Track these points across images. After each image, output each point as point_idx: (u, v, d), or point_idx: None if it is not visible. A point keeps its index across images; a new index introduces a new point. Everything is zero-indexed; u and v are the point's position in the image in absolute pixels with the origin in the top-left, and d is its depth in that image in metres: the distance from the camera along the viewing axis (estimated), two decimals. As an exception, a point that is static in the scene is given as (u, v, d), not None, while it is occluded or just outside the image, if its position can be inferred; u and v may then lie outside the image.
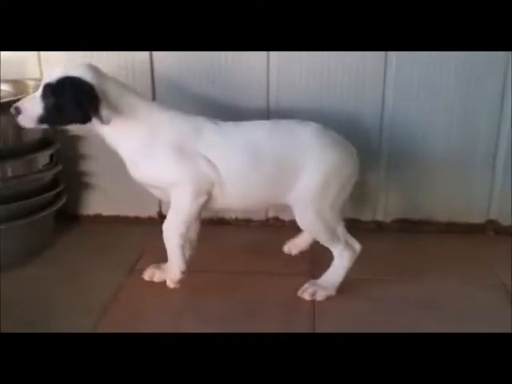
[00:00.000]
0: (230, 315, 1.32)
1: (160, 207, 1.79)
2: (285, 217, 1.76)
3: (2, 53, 1.67)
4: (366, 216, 1.79)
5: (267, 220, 1.82)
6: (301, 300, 1.38)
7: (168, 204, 1.38)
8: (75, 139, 1.76)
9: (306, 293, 1.39)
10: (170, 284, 1.39)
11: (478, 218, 1.76)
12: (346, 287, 1.40)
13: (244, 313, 1.32)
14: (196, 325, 1.28)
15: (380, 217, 1.79)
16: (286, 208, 1.40)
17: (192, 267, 1.49)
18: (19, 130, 1.49)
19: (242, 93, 1.68)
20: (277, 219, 1.80)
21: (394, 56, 1.62)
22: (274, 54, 1.64)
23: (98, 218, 1.83)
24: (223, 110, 1.63)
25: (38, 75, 1.67)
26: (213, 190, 1.35)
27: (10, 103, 1.43)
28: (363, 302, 1.38)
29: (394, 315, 1.32)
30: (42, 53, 1.68)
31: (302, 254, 1.58)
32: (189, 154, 1.32)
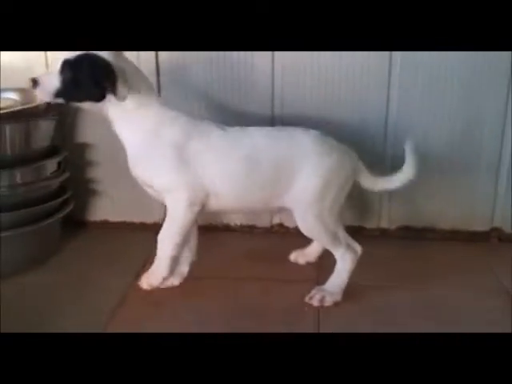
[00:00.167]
0: (234, 321, 1.33)
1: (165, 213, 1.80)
2: (289, 223, 1.77)
3: (10, 61, 1.69)
4: (370, 223, 1.80)
5: (272, 227, 1.83)
6: (305, 306, 1.38)
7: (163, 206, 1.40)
8: (82, 147, 1.78)
9: (313, 299, 1.39)
10: (146, 286, 1.42)
11: (481, 226, 1.77)
12: (350, 293, 1.41)
13: (248, 319, 1.33)
14: (201, 331, 1.28)
15: (384, 224, 1.80)
16: (286, 211, 1.42)
17: (197, 273, 1.50)
18: (27, 137, 1.52)
19: (248, 100, 1.69)
20: (281, 226, 1.82)
21: (397, 62, 1.63)
22: (278, 61, 1.66)
23: (104, 224, 1.85)
24: (229, 116, 1.66)
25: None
26: (208, 200, 1.38)
27: (17, 112, 1.46)
28: (367, 309, 1.39)
29: (397, 322, 1.32)
30: (49, 61, 1.70)
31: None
32: (188, 158, 1.34)
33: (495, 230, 1.77)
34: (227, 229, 1.84)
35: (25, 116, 1.49)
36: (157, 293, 1.44)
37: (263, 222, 1.82)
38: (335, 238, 1.40)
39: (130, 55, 1.62)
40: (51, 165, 1.60)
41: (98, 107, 1.35)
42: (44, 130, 1.58)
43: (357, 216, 1.78)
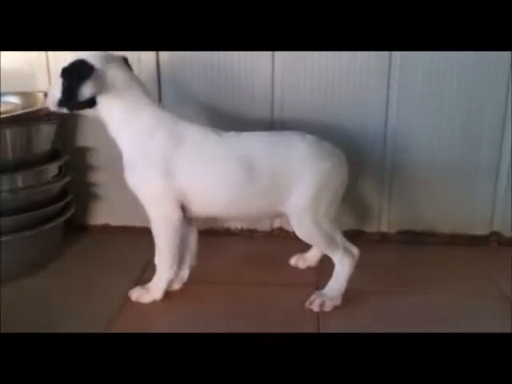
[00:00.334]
0: (234, 325, 1.33)
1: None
2: (289, 227, 1.76)
3: (11, 65, 1.70)
4: (370, 227, 1.80)
5: (272, 230, 1.83)
6: (305, 311, 1.39)
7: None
8: (84, 151, 1.79)
9: (314, 304, 1.39)
10: (135, 299, 1.43)
11: (481, 230, 1.77)
12: (350, 298, 1.41)
13: (248, 323, 1.33)
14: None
15: (384, 228, 1.80)
16: (284, 216, 1.42)
17: (197, 278, 1.51)
18: (29, 141, 1.53)
19: (247, 104, 1.70)
20: (281, 230, 1.82)
21: (397, 68, 1.64)
22: (278, 65, 1.66)
23: (105, 229, 1.86)
24: (228, 121, 1.66)
25: (47, 87, 1.70)
26: (201, 206, 1.39)
27: (18, 116, 1.47)
28: (367, 314, 1.39)
29: (396, 326, 1.32)
30: (51, 65, 1.71)
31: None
32: (178, 164, 1.34)
33: (495, 234, 1.77)
34: (228, 233, 1.85)
35: (26, 120, 1.49)
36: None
37: (263, 226, 1.83)
38: (332, 242, 1.40)
39: (130, 60, 1.64)
40: (52, 169, 1.60)
41: (95, 113, 1.37)
42: (45, 134, 1.58)
43: (357, 220, 1.79)
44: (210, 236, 1.81)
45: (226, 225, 1.84)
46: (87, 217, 1.86)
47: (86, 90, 1.29)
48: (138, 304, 1.42)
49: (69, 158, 1.68)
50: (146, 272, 1.55)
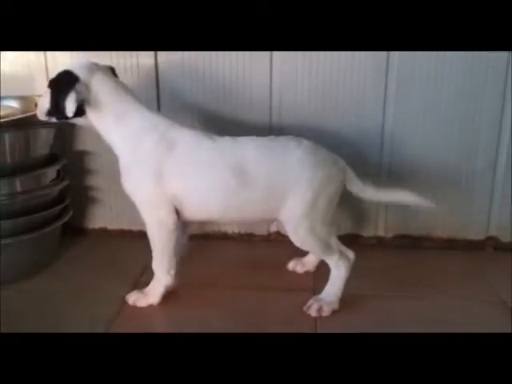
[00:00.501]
0: (231, 329, 1.33)
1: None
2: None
3: (10, 69, 1.70)
4: (367, 231, 1.81)
5: (269, 234, 1.84)
6: (302, 315, 1.39)
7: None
8: (82, 155, 1.79)
9: (311, 309, 1.39)
10: (132, 303, 1.43)
11: (477, 235, 1.78)
12: (347, 303, 1.42)
13: (246, 327, 1.34)
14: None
15: (381, 232, 1.81)
16: (277, 222, 1.43)
17: (194, 282, 1.52)
18: (27, 145, 1.53)
19: (245, 109, 1.70)
20: (279, 234, 1.82)
21: (394, 71, 1.64)
22: (276, 70, 1.67)
23: (103, 232, 1.86)
24: (226, 125, 1.67)
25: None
26: (194, 211, 1.39)
27: (16, 121, 1.47)
28: (364, 318, 1.39)
29: (393, 330, 1.33)
30: (49, 68, 1.71)
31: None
32: (170, 169, 1.35)
33: (491, 238, 1.78)
34: (225, 237, 1.85)
35: (24, 124, 1.50)
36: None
37: (261, 230, 1.83)
38: (328, 248, 1.40)
39: (130, 69, 1.66)
40: (50, 173, 1.61)
41: (86, 122, 1.39)
42: (43, 138, 1.59)
43: (353, 224, 1.79)
44: (207, 240, 1.82)
45: (223, 229, 1.84)
46: (85, 220, 1.87)
47: (71, 101, 1.30)
48: (136, 308, 1.42)
49: (67, 161, 1.69)
50: (143, 276, 1.56)
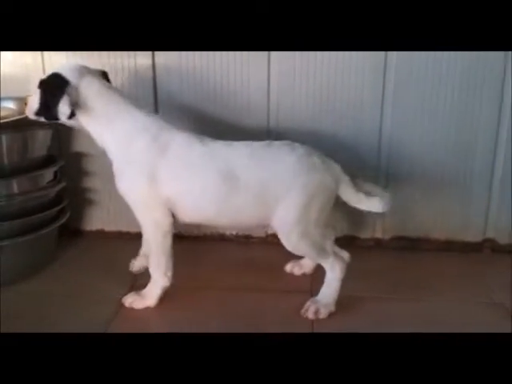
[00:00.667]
0: (229, 331, 1.32)
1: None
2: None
3: (8, 70, 1.70)
4: (364, 233, 1.81)
5: (267, 237, 1.84)
6: (300, 318, 1.39)
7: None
8: (79, 156, 1.79)
9: (308, 312, 1.39)
10: (128, 305, 1.43)
11: (475, 237, 1.78)
12: (344, 305, 1.42)
13: (243, 329, 1.33)
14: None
15: (379, 234, 1.81)
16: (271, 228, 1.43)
17: (191, 283, 1.52)
18: (24, 147, 1.53)
19: (243, 113, 1.70)
20: (276, 236, 1.81)
21: (392, 74, 1.65)
22: (274, 74, 1.67)
23: (100, 234, 1.86)
24: (224, 130, 1.66)
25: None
26: (186, 214, 1.40)
27: (14, 122, 1.47)
28: (362, 320, 1.39)
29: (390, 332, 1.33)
30: (46, 70, 1.70)
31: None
32: (161, 170, 1.35)
33: (488, 240, 1.78)
34: (222, 239, 1.85)
35: (22, 125, 1.49)
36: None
37: (258, 232, 1.83)
38: (322, 251, 1.40)
39: (128, 72, 1.65)
40: (48, 174, 1.61)
41: (76, 124, 1.40)
42: (41, 140, 1.58)
43: (351, 226, 1.79)
44: (204, 242, 1.82)
45: (220, 231, 1.84)
46: (82, 222, 1.86)
47: (65, 104, 1.31)
48: (133, 310, 1.42)
49: (64, 163, 1.68)
50: (140, 278, 1.56)
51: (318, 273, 1.48)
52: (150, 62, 1.69)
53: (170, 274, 1.43)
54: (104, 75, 1.43)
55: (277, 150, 1.38)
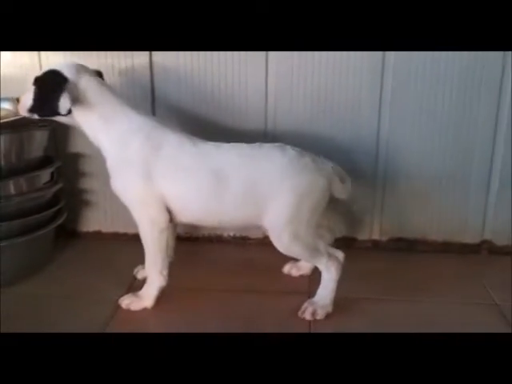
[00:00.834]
0: (225, 331, 1.32)
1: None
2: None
3: (5, 70, 1.70)
4: (362, 235, 1.81)
5: (264, 238, 1.83)
6: (297, 319, 1.39)
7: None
8: (76, 157, 1.79)
9: (306, 313, 1.39)
10: (125, 306, 1.43)
11: (472, 238, 1.78)
12: (341, 306, 1.42)
13: (240, 330, 1.33)
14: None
15: (376, 236, 1.81)
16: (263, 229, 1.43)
17: (188, 285, 1.51)
18: (21, 148, 1.53)
19: (241, 116, 1.70)
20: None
21: (389, 78, 1.65)
22: (272, 75, 1.67)
23: (97, 235, 1.85)
24: (221, 132, 1.66)
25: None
26: (179, 214, 1.40)
27: (11, 123, 1.46)
28: (359, 321, 1.39)
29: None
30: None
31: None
32: (155, 170, 1.36)
33: (486, 242, 1.78)
34: (220, 240, 1.85)
35: (19, 126, 1.49)
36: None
37: (256, 233, 1.83)
38: (315, 252, 1.40)
39: (124, 65, 1.65)
40: (44, 175, 1.60)
41: (70, 121, 1.40)
42: (38, 140, 1.58)
43: (348, 228, 1.79)
44: (202, 243, 1.82)
45: (218, 232, 1.84)
46: (79, 223, 1.86)
47: (65, 98, 1.31)
48: (130, 311, 1.42)
49: (61, 164, 1.68)
50: (137, 279, 1.55)
51: (316, 274, 1.48)
52: (147, 61, 1.68)
53: (165, 272, 1.43)
54: (99, 75, 1.43)
55: (267, 151, 1.39)
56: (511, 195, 1.72)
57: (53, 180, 1.64)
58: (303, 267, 1.60)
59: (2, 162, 1.48)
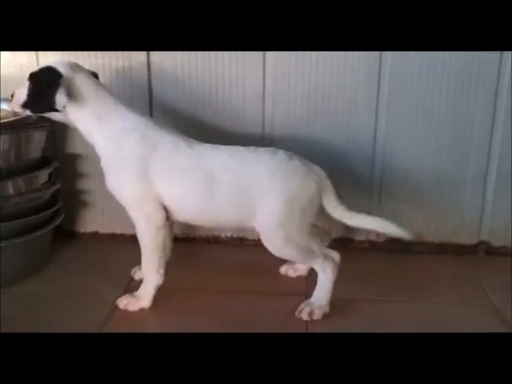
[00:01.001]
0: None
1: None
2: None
3: (3, 71, 1.70)
4: (359, 235, 1.81)
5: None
6: (294, 320, 1.39)
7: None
8: (73, 158, 1.79)
9: (303, 313, 1.39)
10: (123, 307, 1.43)
11: (469, 239, 1.79)
12: (339, 307, 1.42)
13: (237, 331, 1.32)
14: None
15: (373, 236, 1.81)
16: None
17: (185, 286, 1.51)
18: (19, 148, 1.53)
19: (238, 119, 1.71)
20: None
21: (386, 81, 1.65)
22: (269, 76, 1.67)
23: (94, 236, 1.85)
24: (218, 136, 1.65)
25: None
26: (174, 214, 1.41)
27: (9, 123, 1.46)
28: (356, 322, 1.39)
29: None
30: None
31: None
32: (149, 169, 1.36)
33: (482, 243, 1.79)
34: (217, 241, 1.85)
35: (16, 127, 1.49)
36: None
37: (253, 234, 1.82)
38: (310, 253, 1.40)
39: (123, 78, 1.64)
40: (42, 176, 1.60)
41: (62, 118, 1.40)
42: (36, 141, 1.58)
43: (345, 228, 1.79)
44: (199, 244, 1.82)
45: (215, 233, 1.84)
46: (76, 224, 1.86)
47: (61, 94, 1.31)
48: (127, 312, 1.42)
49: (59, 165, 1.68)
50: (134, 280, 1.55)
51: (313, 275, 1.48)
52: (145, 61, 1.68)
53: (162, 271, 1.43)
54: (95, 76, 1.44)
55: (258, 154, 1.39)
56: (508, 196, 1.73)
57: (51, 181, 1.64)
58: (300, 268, 1.61)
59: (1, 163, 1.47)
